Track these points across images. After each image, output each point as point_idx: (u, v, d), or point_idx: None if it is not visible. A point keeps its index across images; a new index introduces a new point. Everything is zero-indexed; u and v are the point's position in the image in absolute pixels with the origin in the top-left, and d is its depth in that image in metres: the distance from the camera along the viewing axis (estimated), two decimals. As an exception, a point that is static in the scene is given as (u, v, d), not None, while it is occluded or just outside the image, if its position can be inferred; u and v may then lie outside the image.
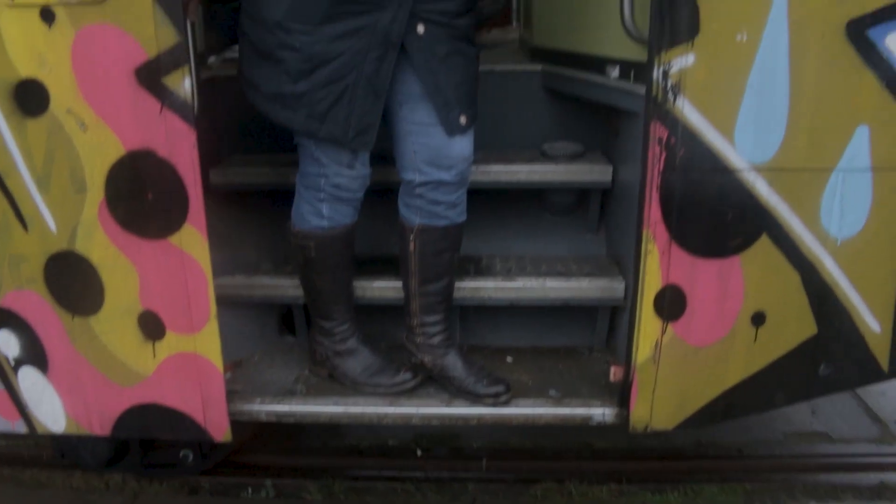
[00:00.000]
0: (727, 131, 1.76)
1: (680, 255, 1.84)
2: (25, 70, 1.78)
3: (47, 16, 1.74)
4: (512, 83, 2.59)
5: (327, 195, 1.98)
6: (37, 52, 1.77)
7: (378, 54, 1.81)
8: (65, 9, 1.73)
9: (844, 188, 1.82)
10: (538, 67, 2.58)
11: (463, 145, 1.95)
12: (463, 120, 1.92)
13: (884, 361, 2.02)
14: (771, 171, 1.79)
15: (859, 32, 1.69)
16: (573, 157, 2.41)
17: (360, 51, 1.80)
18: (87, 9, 1.73)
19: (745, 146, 1.77)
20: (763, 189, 1.80)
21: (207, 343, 1.95)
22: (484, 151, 2.43)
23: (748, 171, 1.78)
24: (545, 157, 2.43)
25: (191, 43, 1.79)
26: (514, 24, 3.18)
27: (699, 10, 1.68)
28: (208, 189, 2.35)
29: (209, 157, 2.39)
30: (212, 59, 2.48)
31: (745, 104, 1.74)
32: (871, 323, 1.96)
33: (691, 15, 1.69)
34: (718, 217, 1.82)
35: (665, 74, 1.73)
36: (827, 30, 1.69)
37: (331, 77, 1.80)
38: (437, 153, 1.94)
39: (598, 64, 2.19)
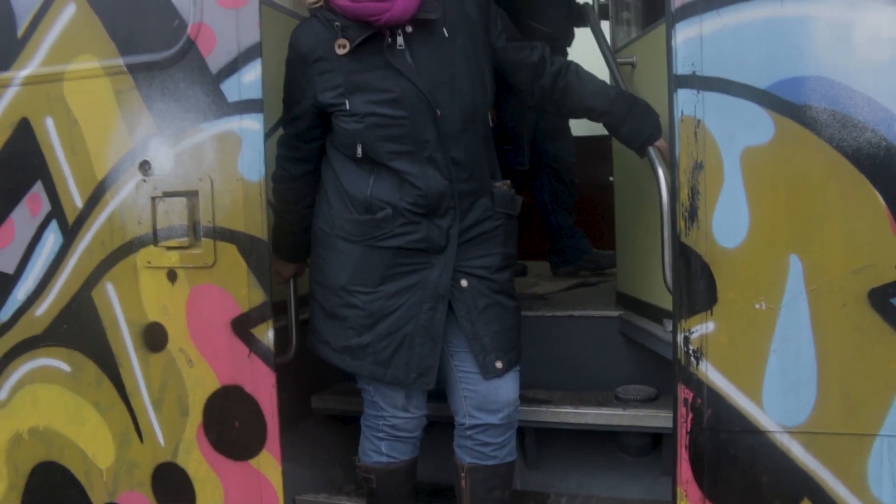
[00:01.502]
0: (754, 394, 1.81)
1: (716, 515, 1.85)
2: (153, 315, 2.25)
3: (172, 276, 2.22)
4: (591, 327, 2.72)
5: (386, 434, 2.21)
6: (162, 302, 2.23)
7: (430, 305, 2.08)
8: (184, 271, 2.20)
9: (892, 455, 1.76)
10: (616, 313, 2.69)
11: (507, 390, 2.13)
12: (499, 364, 2.11)
13: None
14: (806, 435, 1.79)
15: (884, 301, 1.72)
16: (645, 401, 2.47)
17: (414, 304, 2.08)
18: (200, 272, 2.18)
19: (775, 409, 1.80)
20: (799, 452, 1.79)
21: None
22: (560, 392, 2.60)
23: (780, 433, 1.80)
24: (618, 400, 2.52)
25: (292, 300, 2.20)
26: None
27: (716, 281, 1.81)
28: (310, 413, 2.71)
29: (315, 384, 2.75)
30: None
31: (770, 368, 1.79)
32: None
33: (708, 286, 1.82)
34: (753, 478, 1.82)
35: (686, 340, 1.84)
36: (848, 300, 1.74)
37: (391, 328, 2.09)
38: (484, 399, 2.12)
39: (658, 315, 2.31)
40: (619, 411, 2.44)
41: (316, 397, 2.75)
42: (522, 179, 3.59)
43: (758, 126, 1.77)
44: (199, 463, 2.24)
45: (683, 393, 1.85)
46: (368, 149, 2.04)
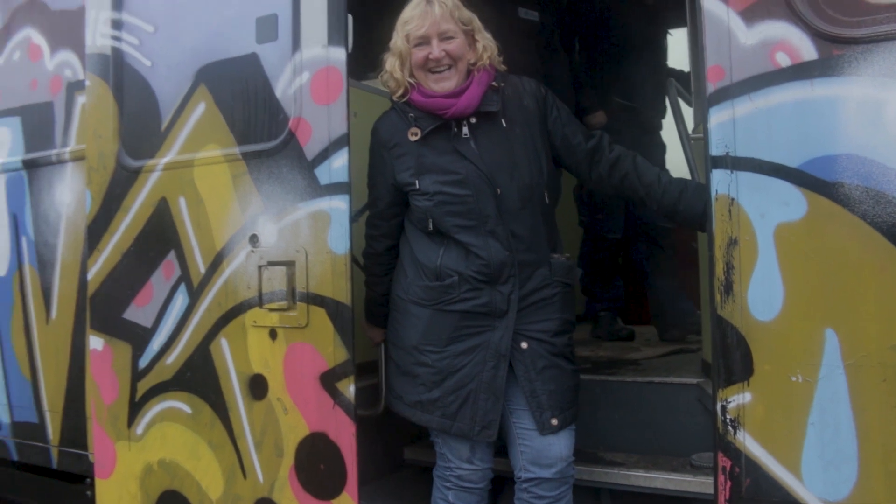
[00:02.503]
0: (793, 467, 1.84)
1: (758, 587, 1.87)
2: (257, 368, 2.61)
3: (272, 334, 2.57)
4: (671, 394, 2.76)
5: (452, 485, 2.40)
6: (264, 357, 2.59)
7: (493, 364, 2.28)
8: (283, 330, 2.55)
9: (941, 539, 1.72)
10: (695, 381, 2.72)
11: (560, 446, 2.27)
12: (554, 422, 2.26)
13: None
14: (848, 511, 1.79)
15: (927, 379, 1.71)
16: (717, 469, 2.50)
17: (478, 363, 2.29)
18: (295, 331, 2.52)
19: (815, 483, 1.82)
20: (841, 529, 1.80)
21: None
22: (636, 455, 2.67)
23: (821, 507, 1.81)
24: (692, 466, 2.55)
25: (383, 360, 2.49)
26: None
27: (752, 353, 1.88)
28: (403, 463, 2.95)
29: (408, 438, 3.00)
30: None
31: (808, 441, 1.82)
32: None
33: (744, 357, 1.89)
34: (795, 551, 1.84)
35: (724, 409, 1.91)
36: (888, 375, 1.75)
37: (457, 385, 2.30)
38: (539, 454, 2.27)
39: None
40: (689, 478, 2.47)
41: (409, 449, 2.99)
42: (617, 247, 3.71)
43: (790, 203, 1.85)
44: (290, 500, 2.54)
45: (722, 461, 1.91)
46: (438, 223, 2.30)
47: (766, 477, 1.86)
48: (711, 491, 2.37)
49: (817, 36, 1.82)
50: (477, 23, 2.35)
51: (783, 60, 1.86)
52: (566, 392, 2.32)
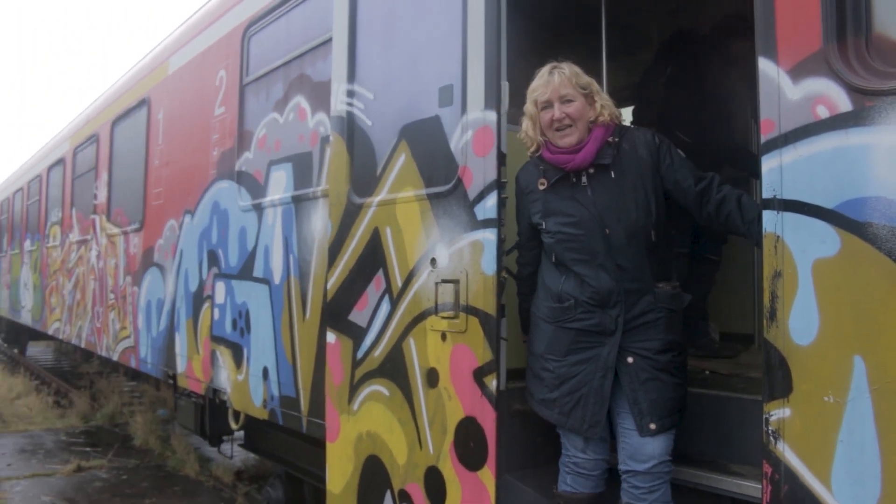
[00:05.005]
0: (824, 478, 2.09)
1: (794, 583, 2.14)
2: (432, 363, 3.39)
3: (443, 336, 3.34)
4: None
5: (570, 470, 2.93)
6: (437, 354, 3.37)
7: (601, 374, 2.78)
8: (450, 334, 3.30)
9: (960, 561, 1.87)
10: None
11: (654, 447, 2.68)
12: (652, 426, 2.67)
13: None
14: (872, 525, 2.00)
15: (944, 409, 1.88)
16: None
17: (590, 372, 2.81)
18: (458, 335, 3.26)
19: (844, 495, 2.05)
20: (866, 540, 2.01)
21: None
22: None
23: (848, 519, 2.04)
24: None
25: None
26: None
27: (791, 373, 2.16)
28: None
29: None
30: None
31: (838, 457, 2.06)
32: None
33: (785, 377, 2.18)
34: (826, 556, 2.08)
35: (767, 421, 2.21)
36: (910, 403, 1.94)
37: (572, 389, 2.84)
38: (636, 451, 2.71)
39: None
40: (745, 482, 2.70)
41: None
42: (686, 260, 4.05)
43: (826, 241, 2.11)
44: (449, 469, 3.27)
45: (765, 467, 2.21)
46: (559, 256, 2.88)
47: (802, 486, 2.13)
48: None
49: (851, 89, 2.07)
50: (595, 86, 2.88)
51: (822, 112, 2.13)
52: (667, 402, 2.73)
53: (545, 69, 2.90)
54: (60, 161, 11.37)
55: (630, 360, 2.75)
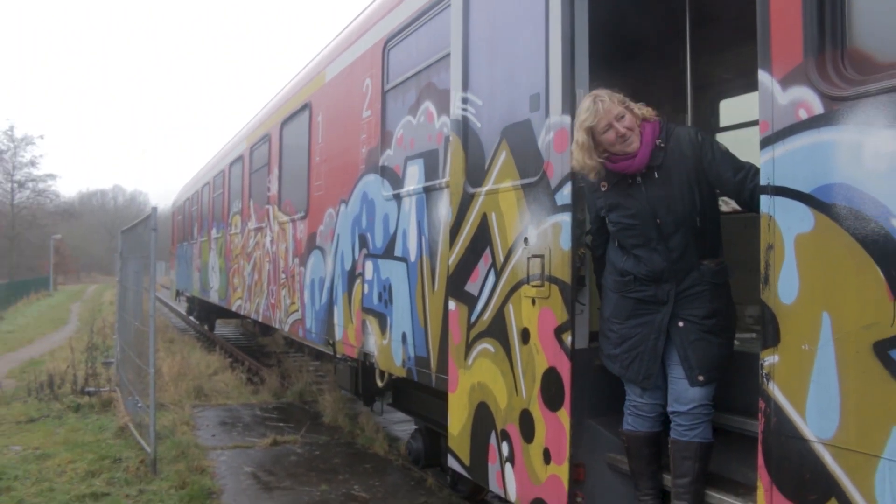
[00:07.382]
0: (801, 411, 2.66)
1: (779, 499, 2.73)
2: (525, 324, 4.18)
3: (533, 302, 4.11)
4: None
5: (631, 412, 3.61)
6: (528, 316, 4.15)
7: (655, 336, 3.45)
8: (538, 300, 4.07)
9: (893, 478, 2.39)
10: None
11: (695, 393, 3.31)
12: (700, 378, 3.31)
13: None
14: (832, 447, 2.56)
15: (883, 352, 2.41)
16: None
17: (646, 335, 3.48)
18: (544, 300, 4.02)
19: (814, 424, 2.62)
20: (829, 461, 2.57)
21: (565, 474, 3.82)
22: None
23: (817, 443, 2.61)
24: None
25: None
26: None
27: (779, 326, 2.75)
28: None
29: None
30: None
31: (810, 394, 2.63)
32: None
33: (775, 330, 2.77)
34: (800, 475, 2.66)
35: (762, 366, 2.81)
36: (860, 348, 2.48)
37: (631, 347, 3.53)
38: (680, 395, 3.36)
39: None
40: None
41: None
42: None
43: (804, 219, 2.67)
44: (537, 410, 4.05)
45: (760, 403, 2.81)
46: (621, 241, 3.58)
47: (786, 419, 2.71)
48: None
49: (822, 95, 2.61)
50: (627, 99, 3.52)
51: (803, 115, 2.68)
52: (712, 358, 3.36)
53: (587, 101, 3.52)
54: (240, 158, 13.20)
55: (681, 324, 3.39)
